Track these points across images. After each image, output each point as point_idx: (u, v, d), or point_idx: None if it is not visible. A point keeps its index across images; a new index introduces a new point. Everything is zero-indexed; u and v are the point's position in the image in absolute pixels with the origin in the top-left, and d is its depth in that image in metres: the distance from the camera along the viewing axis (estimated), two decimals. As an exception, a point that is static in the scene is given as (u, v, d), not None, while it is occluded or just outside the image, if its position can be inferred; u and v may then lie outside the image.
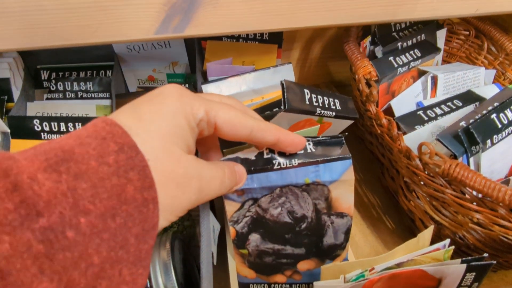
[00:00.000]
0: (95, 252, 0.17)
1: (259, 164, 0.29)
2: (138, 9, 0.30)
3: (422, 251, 0.30)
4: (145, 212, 0.19)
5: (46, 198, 0.16)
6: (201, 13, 0.31)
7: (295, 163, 0.28)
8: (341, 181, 0.29)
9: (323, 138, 0.30)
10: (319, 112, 0.35)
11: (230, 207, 0.30)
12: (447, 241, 0.30)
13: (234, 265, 0.34)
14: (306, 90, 0.34)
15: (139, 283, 0.20)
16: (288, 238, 0.32)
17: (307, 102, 0.34)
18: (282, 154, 0.29)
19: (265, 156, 0.29)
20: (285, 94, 0.31)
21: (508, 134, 0.35)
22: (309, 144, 0.30)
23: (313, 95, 0.34)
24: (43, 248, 0.16)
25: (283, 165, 0.29)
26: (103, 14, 0.30)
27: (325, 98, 0.36)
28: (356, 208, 0.50)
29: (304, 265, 0.34)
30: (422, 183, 0.36)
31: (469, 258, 0.28)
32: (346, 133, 0.31)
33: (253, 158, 0.29)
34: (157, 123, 0.21)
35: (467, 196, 0.31)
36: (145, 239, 0.19)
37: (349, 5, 0.32)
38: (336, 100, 0.37)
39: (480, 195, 0.30)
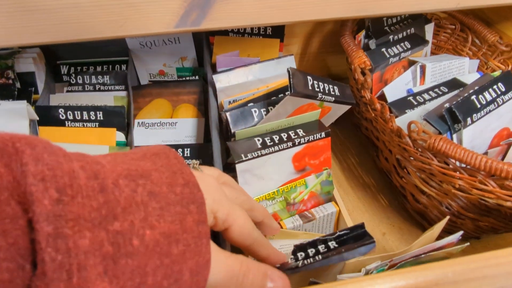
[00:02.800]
0: (152, 272, 0.18)
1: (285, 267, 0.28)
2: (161, 5, 0.34)
3: (437, 244, 0.30)
4: (200, 245, 0.20)
5: (123, 204, 0.18)
6: (215, 9, 0.35)
7: (319, 258, 0.28)
8: None
9: (344, 232, 0.29)
10: (321, 97, 0.39)
11: None
12: (460, 233, 0.30)
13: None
14: (309, 77, 0.38)
15: None
16: None
17: (310, 88, 0.38)
18: (305, 256, 0.29)
19: (289, 261, 0.29)
20: (291, 80, 0.36)
21: (487, 113, 0.39)
22: (332, 242, 0.29)
23: (315, 82, 0.39)
24: (112, 250, 0.17)
25: (307, 262, 0.28)
26: (129, 10, 0.34)
27: (325, 84, 0.40)
28: (353, 188, 0.54)
29: None
30: (411, 158, 0.40)
31: None
32: (364, 226, 0.30)
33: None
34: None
35: (450, 166, 0.36)
36: (198, 281, 0.19)
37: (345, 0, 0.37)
38: (335, 87, 0.42)
39: (461, 165, 0.35)
